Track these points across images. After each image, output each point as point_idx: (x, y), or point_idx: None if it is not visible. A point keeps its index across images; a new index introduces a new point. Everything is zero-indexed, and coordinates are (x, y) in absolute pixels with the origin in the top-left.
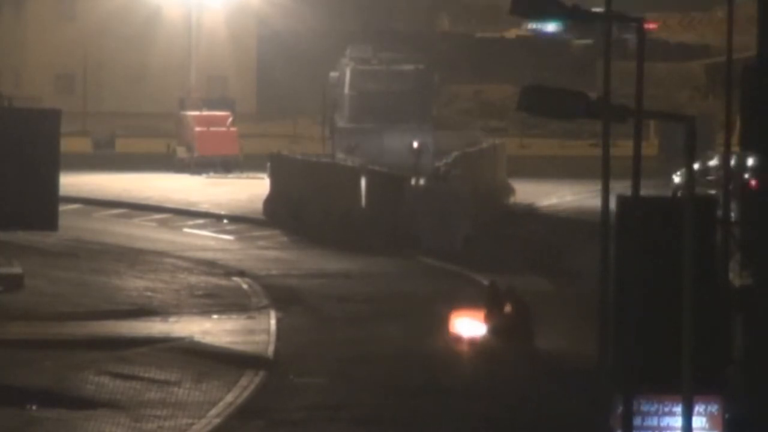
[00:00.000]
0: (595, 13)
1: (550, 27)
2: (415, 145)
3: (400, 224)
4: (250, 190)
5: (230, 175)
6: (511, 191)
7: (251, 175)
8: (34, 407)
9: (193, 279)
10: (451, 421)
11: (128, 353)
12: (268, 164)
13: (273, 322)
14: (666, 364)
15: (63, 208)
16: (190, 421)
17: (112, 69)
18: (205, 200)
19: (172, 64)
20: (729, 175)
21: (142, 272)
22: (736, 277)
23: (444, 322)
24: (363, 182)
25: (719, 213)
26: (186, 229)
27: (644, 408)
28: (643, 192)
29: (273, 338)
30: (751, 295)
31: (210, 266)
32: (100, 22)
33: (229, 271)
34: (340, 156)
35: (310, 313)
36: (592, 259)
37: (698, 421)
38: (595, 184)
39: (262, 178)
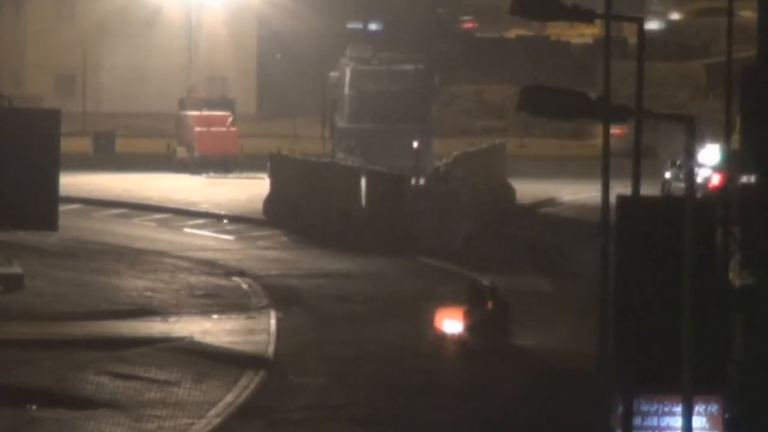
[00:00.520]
0: (595, 13)
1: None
2: (415, 145)
3: (400, 224)
4: (250, 190)
5: (230, 175)
6: (511, 191)
7: (251, 175)
8: (34, 407)
9: (193, 279)
10: (451, 421)
11: (128, 353)
12: (268, 164)
13: (273, 322)
14: (666, 364)
15: (63, 208)
16: (190, 421)
17: (112, 69)
18: (205, 200)
19: (172, 65)
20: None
21: (142, 272)
22: (736, 277)
23: (431, 320)
24: (363, 182)
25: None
26: (186, 229)
27: (644, 408)
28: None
29: (273, 338)
30: (751, 295)
31: (210, 266)
32: (100, 22)
33: (229, 271)
34: (340, 156)
35: (310, 313)
36: (592, 259)
37: (698, 421)
38: (594, 184)
39: (262, 178)
